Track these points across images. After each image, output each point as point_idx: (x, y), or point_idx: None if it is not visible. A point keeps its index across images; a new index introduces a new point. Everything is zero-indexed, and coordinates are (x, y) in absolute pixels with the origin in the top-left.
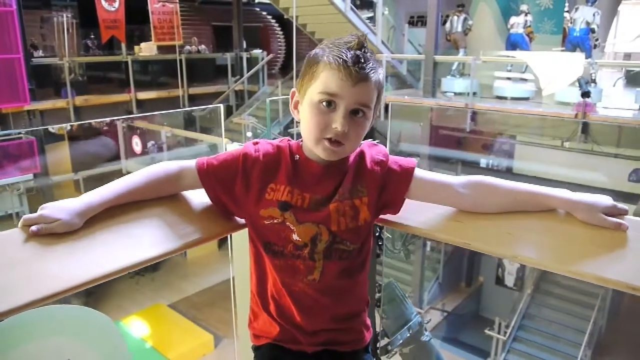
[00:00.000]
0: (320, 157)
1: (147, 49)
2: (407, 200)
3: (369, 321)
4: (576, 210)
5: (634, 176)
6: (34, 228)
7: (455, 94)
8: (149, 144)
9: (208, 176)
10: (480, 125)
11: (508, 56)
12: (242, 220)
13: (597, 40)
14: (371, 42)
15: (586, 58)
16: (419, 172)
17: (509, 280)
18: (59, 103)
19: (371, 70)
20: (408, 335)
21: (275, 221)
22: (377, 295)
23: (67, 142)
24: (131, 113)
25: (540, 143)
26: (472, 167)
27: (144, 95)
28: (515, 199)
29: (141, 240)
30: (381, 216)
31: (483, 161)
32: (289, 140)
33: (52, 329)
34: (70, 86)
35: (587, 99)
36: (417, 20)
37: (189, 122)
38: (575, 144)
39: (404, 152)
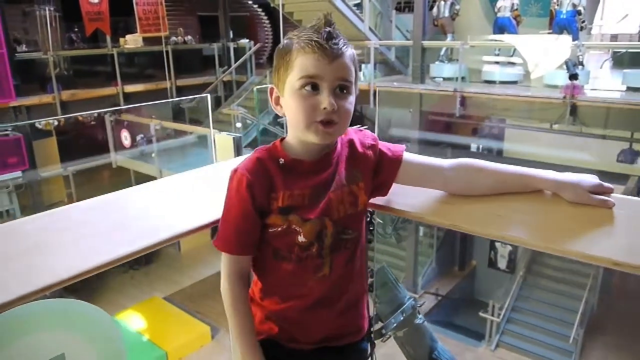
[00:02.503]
0: (309, 152)
1: (132, 41)
2: (396, 184)
3: (366, 311)
4: (562, 190)
5: (622, 157)
6: None
7: (444, 79)
8: (138, 137)
9: (247, 247)
10: (469, 110)
11: (496, 40)
12: None
13: (583, 22)
14: (358, 28)
15: (573, 40)
16: (408, 156)
17: (502, 263)
18: (45, 98)
19: (344, 45)
20: (402, 318)
21: (279, 229)
22: (370, 280)
23: (54, 137)
24: (118, 107)
25: (530, 126)
26: (462, 151)
27: (131, 88)
28: (502, 181)
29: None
30: (371, 200)
31: (473, 145)
32: (265, 148)
33: (47, 322)
34: (56, 81)
35: (574, 81)
36: (405, 6)
37: (178, 114)
38: (564, 126)
39: (394, 137)
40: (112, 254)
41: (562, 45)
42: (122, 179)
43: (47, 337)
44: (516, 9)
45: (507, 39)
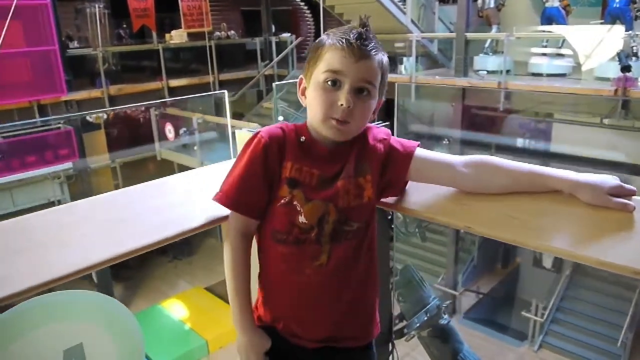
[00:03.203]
0: (326, 138)
1: (177, 37)
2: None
3: (378, 316)
4: (580, 192)
5: None
6: None
7: (488, 72)
8: (181, 131)
9: (246, 205)
10: (514, 104)
11: (543, 31)
12: None
13: (639, 11)
14: (400, 21)
15: (627, 30)
16: (420, 152)
17: (547, 262)
18: (94, 93)
19: (373, 48)
20: (425, 319)
21: (283, 201)
22: (393, 278)
23: (103, 130)
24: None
25: (579, 121)
26: (506, 149)
27: (175, 82)
28: (516, 180)
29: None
30: (382, 199)
31: (519, 140)
32: (293, 124)
33: (65, 313)
34: (105, 76)
35: (627, 74)
36: None
37: (220, 108)
38: (615, 121)
39: (434, 135)
40: (114, 250)
41: (614, 35)
42: (166, 170)
43: (65, 327)
44: None
45: (556, 29)
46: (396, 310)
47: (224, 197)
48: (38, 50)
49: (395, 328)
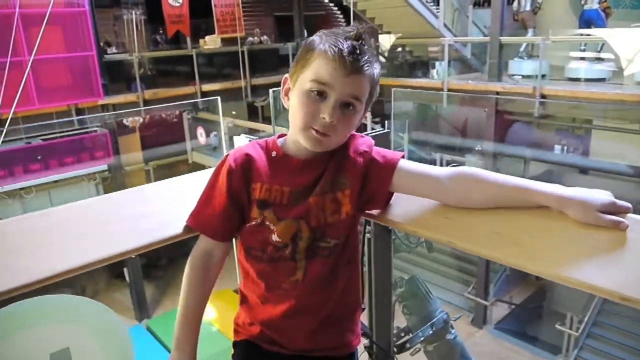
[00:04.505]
0: (301, 151)
1: (211, 42)
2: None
3: (359, 327)
4: (568, 208)
5: None
6: None
7: (523, 76)
8: (212, 135)
9: (213, 229)
10: (549, 110)
11: (582, 34)
12: None
13: None
14: (432, 25)
15: None
16: (403, 164)
17: None
18: (130, 97)
19: (366, 63)
20: (430, 332)
21: (254, 222)
22: (396, 291)
23: (138, 133)
24: (196, 105)
25: (617, 127)
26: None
27: (208, 87)
28: (502, 195)
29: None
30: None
31: (557, 147)
32: (265, 140)
33: (52, 317)
34: (140, 80)
35: None
36: (484, 1)
37: (252, 112)
38: None
39: (466, 145)
40: (85, 257)
41: None
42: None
43: (52, 331)
44: (605, 0)
45: (596, 32)
46: (402, 323)
47: (192, 220)
48: (76, 55)
49: (399, 342)
